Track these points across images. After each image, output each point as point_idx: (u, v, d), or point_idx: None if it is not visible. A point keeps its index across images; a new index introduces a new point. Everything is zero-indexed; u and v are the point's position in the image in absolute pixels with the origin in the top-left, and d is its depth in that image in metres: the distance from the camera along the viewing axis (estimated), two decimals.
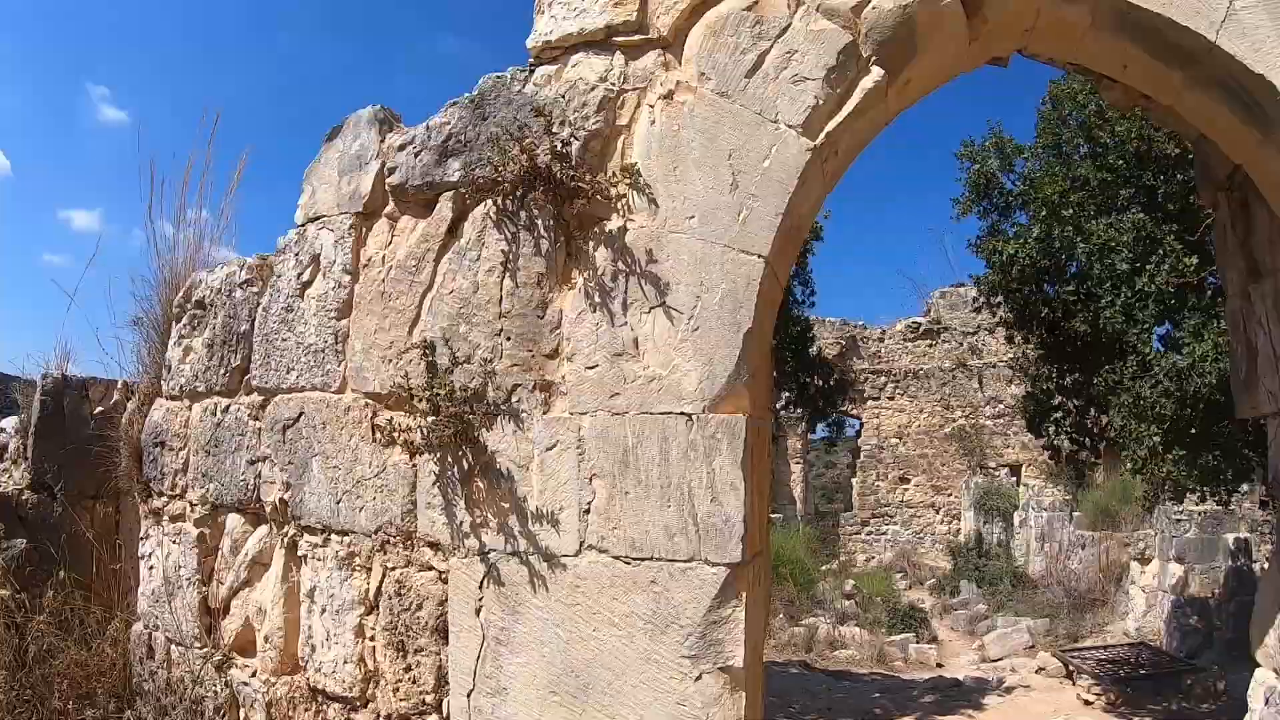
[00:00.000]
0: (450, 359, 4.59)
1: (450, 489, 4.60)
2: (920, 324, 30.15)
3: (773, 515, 27.09)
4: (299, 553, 5.35)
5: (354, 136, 5.19)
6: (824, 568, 24.74)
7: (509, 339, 4.48)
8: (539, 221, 4.40)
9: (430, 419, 4.47)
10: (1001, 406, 28.68)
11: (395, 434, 4.65)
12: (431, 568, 4.70)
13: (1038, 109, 9.71)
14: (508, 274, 4.49)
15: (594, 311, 4.29)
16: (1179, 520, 13.98)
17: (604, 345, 4.25)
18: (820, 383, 11.13)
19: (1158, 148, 7.93)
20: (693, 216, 4.07)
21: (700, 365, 4.05)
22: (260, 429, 5.59)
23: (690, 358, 4.07)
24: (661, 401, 4.13)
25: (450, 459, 4.57)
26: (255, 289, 5.73)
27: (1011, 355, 14.12)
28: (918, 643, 16.96)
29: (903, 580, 25.98)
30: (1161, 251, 7.34)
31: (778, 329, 10.93)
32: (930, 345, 29.94)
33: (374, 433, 4.79)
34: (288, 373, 5.39)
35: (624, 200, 4.19)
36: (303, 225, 5.41)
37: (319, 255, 5.25)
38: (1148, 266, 7.35)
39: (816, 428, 12.36)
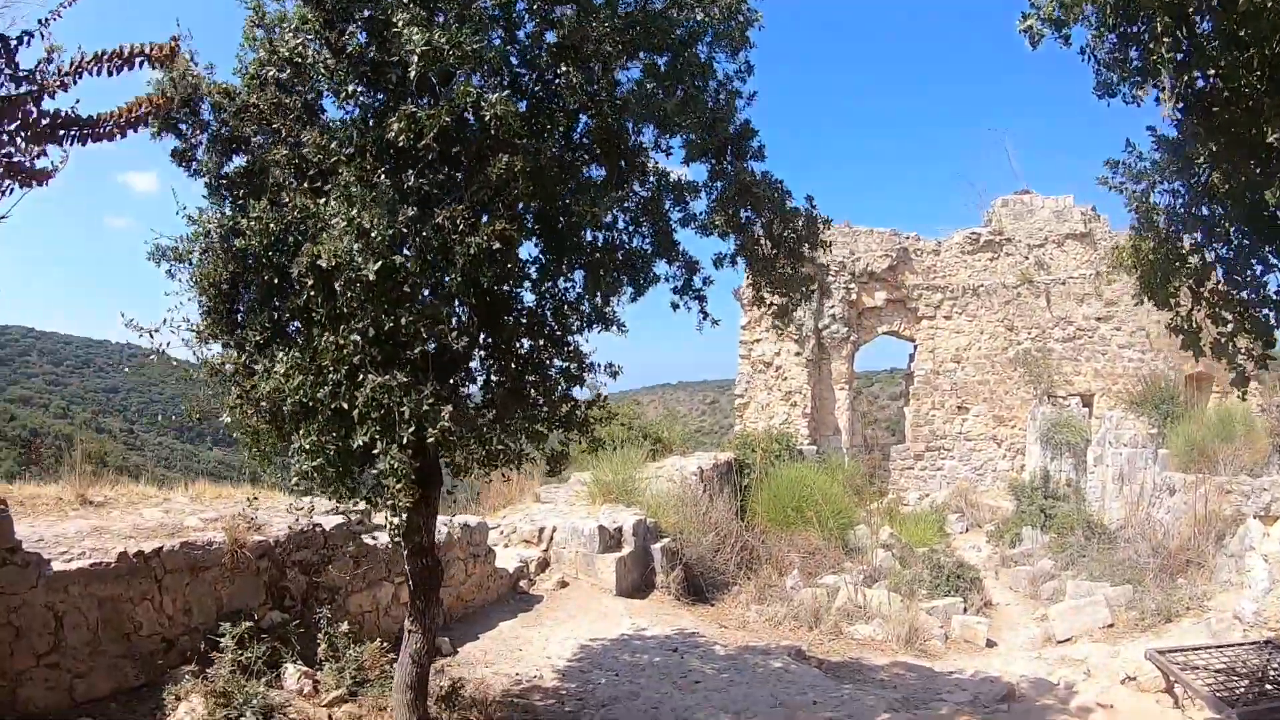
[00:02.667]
0: None
1: None
2: (980, 235, 26.06)
3: (810, 447, 23.25)
4: None
5: None
6: (872, 505, 20.64)
7: None
8: None
9: None
10: (1072, 329, 24.98)
11: None
12: None
13: None
14: None
15: None
16: None
17: None
18: (772, 221, 6.72)
19: None
20: None
21: None
22: None
23: None
24: None
25: None
26: None
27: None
28: (964, 612, 12.97)
29: (959, 523, 22.10)
30: None
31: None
32: (992, 259, 25.81)
33: None
34: None
35: None
36: None
37: None
38: None
39: (764, 301, 7.45)
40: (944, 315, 25.57)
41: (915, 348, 25.97)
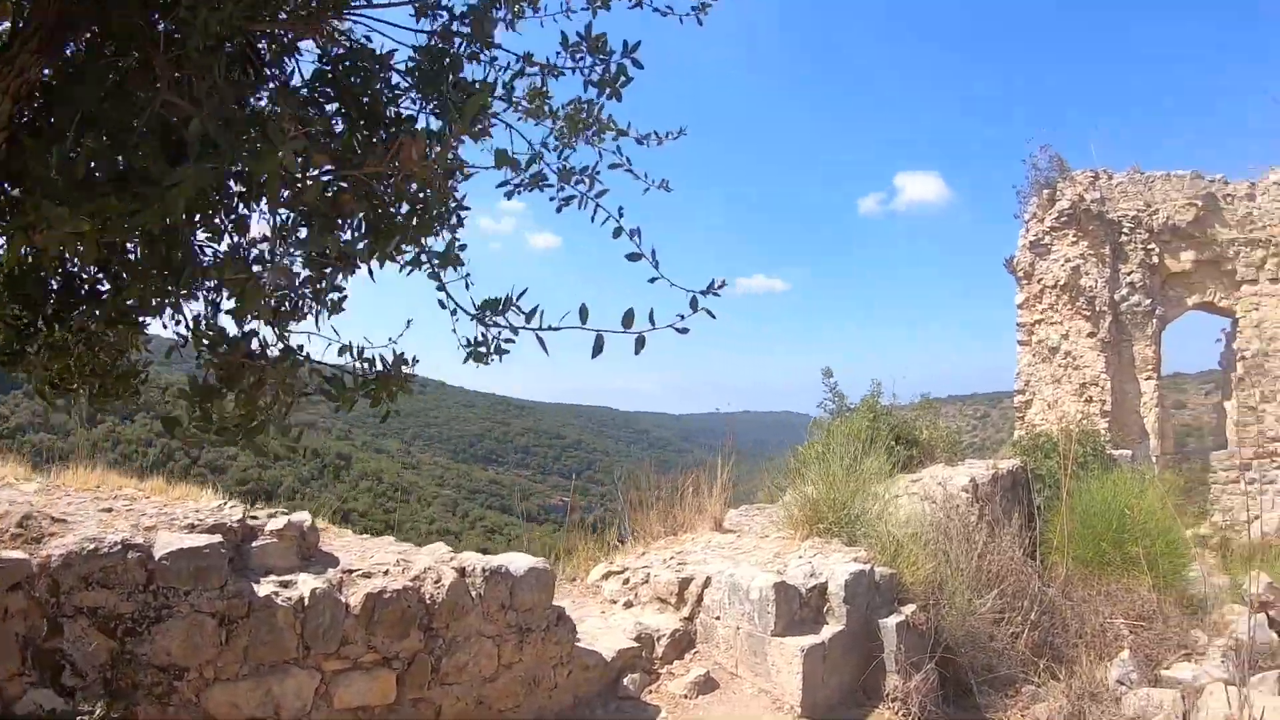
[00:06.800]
0: None
1: None
2: None
3: (1123, 453, 16.91)
4: None
5: None
6: (1189, 531, 14.40)
7: None
8: None
9: None
10: None
11: None
12: None
13: None
14: None
15: None
16: None
17: None
18: None
19: None
20: None
21: None
22: None
23: None
24: None
25: None
26: None
27: None
28: None
29: None
30: None
31: None
32: None
33: None
34: None
35: None
36: None
37: None
38: None
39: None
40: (1269, 278, 19.05)
41: (1233, 323, 19.56)
